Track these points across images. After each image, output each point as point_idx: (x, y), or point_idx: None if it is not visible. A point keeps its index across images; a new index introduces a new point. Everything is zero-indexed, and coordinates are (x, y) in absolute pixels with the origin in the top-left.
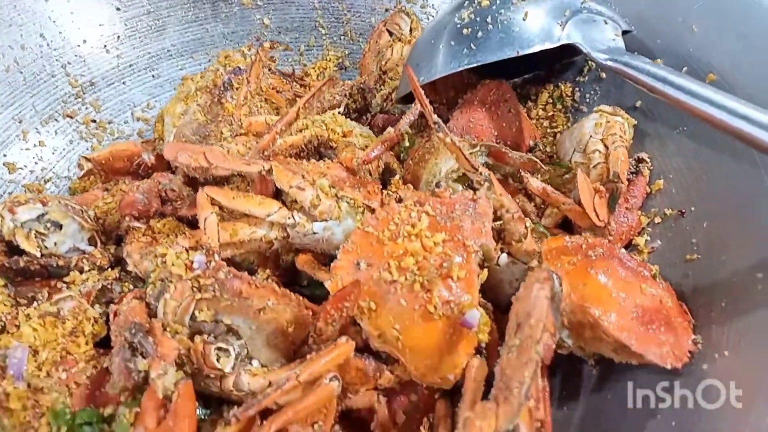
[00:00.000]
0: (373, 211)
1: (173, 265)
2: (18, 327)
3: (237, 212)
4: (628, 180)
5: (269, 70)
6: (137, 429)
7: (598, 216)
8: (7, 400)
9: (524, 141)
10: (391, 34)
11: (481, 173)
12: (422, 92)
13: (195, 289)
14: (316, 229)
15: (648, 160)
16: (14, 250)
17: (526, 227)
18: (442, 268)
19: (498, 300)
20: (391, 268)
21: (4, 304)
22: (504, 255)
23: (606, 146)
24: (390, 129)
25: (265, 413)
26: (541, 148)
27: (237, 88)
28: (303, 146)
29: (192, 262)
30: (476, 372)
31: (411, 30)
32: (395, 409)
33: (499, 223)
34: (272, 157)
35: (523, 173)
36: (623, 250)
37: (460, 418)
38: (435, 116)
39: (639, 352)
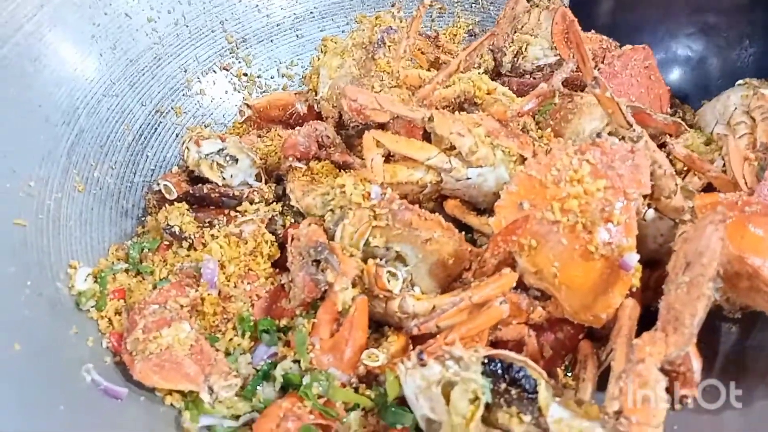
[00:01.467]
0: (524, 160)
1: (352, 194)
2: (204, 245)
3: (398, 155)
4: None
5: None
6: (313, 338)
7: (746, 183)
8: (201, 304)
9: (663, 108)
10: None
11: (635, 129)
12: (584, 44)
13: (371, 216)
14: (470, 175)
15: None
16: (194, 180)
17: (676, 184)
18: (604, 212)
19: (640, 254)
20: (554, 209)
21: (191, 225)
22: (651, 210)
23: (752, 118)
24: (543, 84)
25: (418, 340)
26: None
27: (389, 46)
28: (452, 100)
29: (369, 193)
30: (631, 311)
31: None
32: (542, 343)
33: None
34: (430, 106)
35: (668, 139)
36: None
37: (617, 347)
38: (595, 71)
39: None
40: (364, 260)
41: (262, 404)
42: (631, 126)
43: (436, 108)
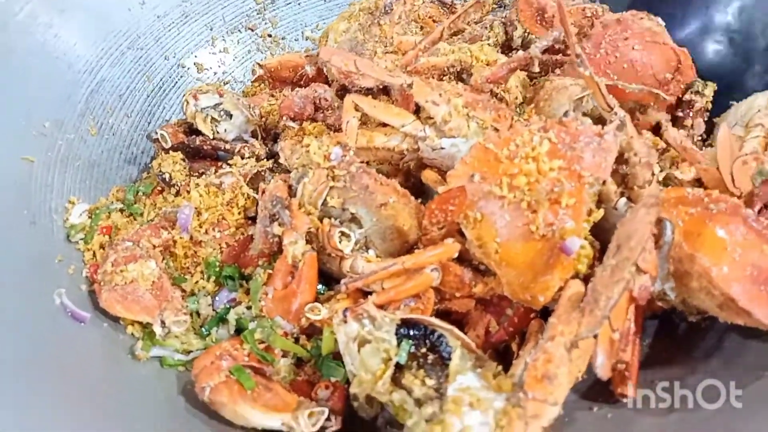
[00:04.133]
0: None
1: (315, 154)
2: (188, 192)
3: (376, 121)
4: None
5: None
6: (268, 287)
7: (734, 181)
8: (174, 245)
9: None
10: None
11: (616, 113)
12: (568, 19)
13: (330, 177)
14: (443, 144)
15: None
16: (193, 132)
17: (653, 174)
18: (552, 192)
19: (608, 242)
20: (502, 183)
21: (181, 174)
22: (623, 199)
23: None
24: (521, 52)
25: None
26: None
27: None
28: (445, 69)
29: (330, 154)
30: (572, 292)
31: None
32: (489, 319)
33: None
34: (415, 74)
35: (663, 121)
36: (749, 210)
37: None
38: (578, 47)
39: (746, 308)
40: (321, 219)
41: (213, 344)
42: (611, 109)
43: (428, 77)
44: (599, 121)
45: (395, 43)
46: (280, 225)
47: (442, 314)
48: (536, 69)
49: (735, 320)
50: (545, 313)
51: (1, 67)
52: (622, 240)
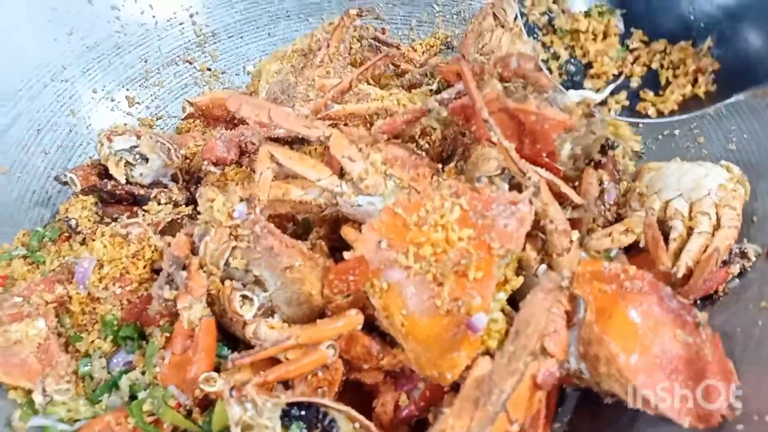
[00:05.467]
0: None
1: (218, 210)
2: (94, 241)
3: (293, 173)
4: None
5: (369, 38)
6: (166, 351)
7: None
8: (70, 301)
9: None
10: (496, 18)
11: (529, 178)
12: (472, 81)
13: (232, 236)
14: (360, 202)
15: (753, 258)
16: (109, 174)
17: (570, 241)
18: (459, 264)
19: None
20: (408, 253)
21: (89, 220)
22: (543, 266)
23: (718, 216)
24: (420, 104)
25: None
26: None
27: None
28: (366, 117)
29: (233, 211)
30: (479, 373)
31: (516, 18)
32: (399, 393)
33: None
34: (328, 121)
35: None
36: (668, 288)
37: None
38: (485, 112)
39: (651, 401)
40: (224, 280)
41: (104, 412)
42: (524, 174)
43: (344, 122)
44: (518, 186)
45: (317, 85)
46: (173, 288)
47: (354, 385)
48: (435, 125)
49: (645, 409)
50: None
51: None
52: (521, 326)
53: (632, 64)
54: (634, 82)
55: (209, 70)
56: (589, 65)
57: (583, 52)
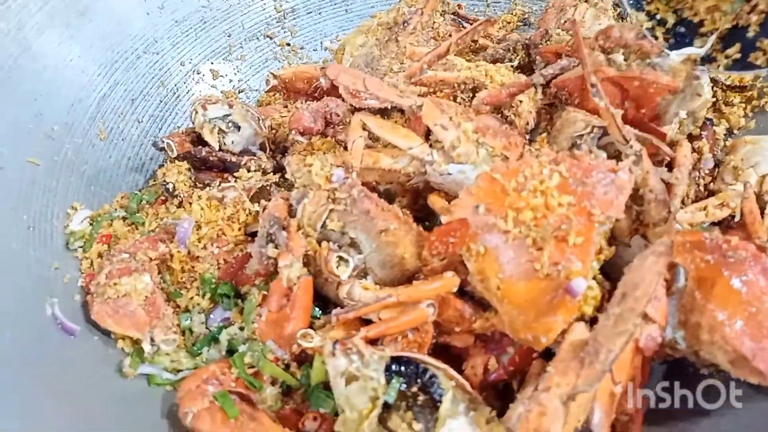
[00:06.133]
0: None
1: (317, 174)
2: (191, 204)
3: (384, 141)
4: None
5: (450, 13)
6: (262, 309)
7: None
8: (171, 259)
9: None
10: None
11: (632, 146)
12: (585, 49)
13: (330, 199)
14: (451, 170)
15: None
16: (201, 142)
17: (669, 212)
18: (560, 229)
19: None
20: (507, 217)
21: (185, 184)
22: (638, 237)
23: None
24: (522, 77)
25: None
26: None
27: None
28: (456, 85)
29: (332, 175)
30: (575, 338)
31: None
32: (489, 356)
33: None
34: (420, 88)
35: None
36: None
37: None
38: (594, 77)
39: (759, 369)
40: (320, 242)
41: (204, 364)
42: (627, 141)
43: (433, 90)
44: (615, 156)
45: (407, 52)
46: (276, 247)
47: (441, 348)
48: (539, 96)
49: (748, 378)
50: (548, 353)
51: (14, 67)
52: (628, 288)
53: (749, 13)
54: (752, 32)
55: (288, 45)
56: (701, 23)
57: (693, 11)
